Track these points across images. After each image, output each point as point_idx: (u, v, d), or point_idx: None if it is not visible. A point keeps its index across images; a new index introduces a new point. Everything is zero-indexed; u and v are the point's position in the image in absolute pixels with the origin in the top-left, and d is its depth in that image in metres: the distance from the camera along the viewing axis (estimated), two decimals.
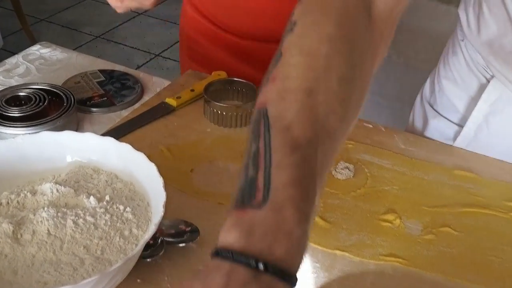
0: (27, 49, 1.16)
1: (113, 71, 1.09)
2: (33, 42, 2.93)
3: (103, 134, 0.86)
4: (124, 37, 3.10)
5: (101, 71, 1.07)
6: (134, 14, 3.22)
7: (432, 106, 0.96)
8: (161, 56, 2.94)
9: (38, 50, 1.15)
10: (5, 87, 1.00)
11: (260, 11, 1.13)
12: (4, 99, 0.92)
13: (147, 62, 2.92)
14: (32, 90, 0.94)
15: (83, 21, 3.24)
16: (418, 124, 0.99)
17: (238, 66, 1.19)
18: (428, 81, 1.00)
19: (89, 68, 1.09)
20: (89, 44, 3.05)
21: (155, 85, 1.06)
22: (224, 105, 0.94)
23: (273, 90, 0.51)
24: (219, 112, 0.93)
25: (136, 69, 2.79)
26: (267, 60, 1.18)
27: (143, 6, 0.97)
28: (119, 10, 0.96)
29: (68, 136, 0.74)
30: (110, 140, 0.74)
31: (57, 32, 3.16)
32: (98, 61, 1.14)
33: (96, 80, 1.04)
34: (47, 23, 3.23)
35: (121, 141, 0.76)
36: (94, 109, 0.98)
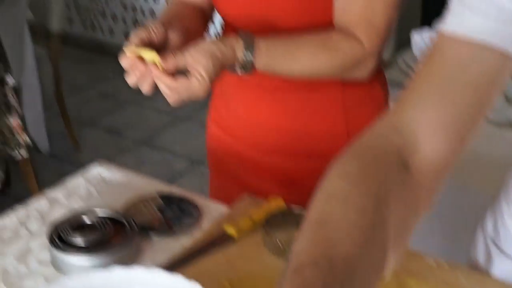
0: (87, 169, 1.20)
1: (171, 194, 1.11)
2: (76, 147, 3.04)
3: (166, 266, 0.88)
4: (165, 142, 3.18)
5: (160, 194, 1.10)
6: (176, 119, 3.32)
7: (495, 244, 0.96)
8: (203, 164, 3.00)
9: (97, 172, 1.19)
10: (68, 209, 1.04)
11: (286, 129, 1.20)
12: (69, 226, 0.94)
13: (189, 169, 2.98)
14: (96, 217, 0.97)
15: (126, 125, 3.35)
16: (481, 260, 0.99)
17: (266, 186, 1.23)
18: (489, 215, 1.00)
19: (147, 188, 1.12)
20: (131, 149, 3.13)
21: (213, 210, 1.08)
22: (284, 236, 0.95)
23: (300, 229, 0.57)
24: (280, 243, 0.94)
25: (178, 177, 2.84)
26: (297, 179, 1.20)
27: (197, 98, 1.01)
28: (173, 103, 1.01)
29: (138, 273, 0.76)
30: (179, 279, 0.75)
31: (100, 136, 3.26)
32: (155, 183, 1.18)
33: (155, 205, 1.07)
34: (90, 128, 3.34)
35: (182, 273, 0.78)
36: (154, 236, 1.00)
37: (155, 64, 0.96)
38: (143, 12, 4.01)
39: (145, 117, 3.37)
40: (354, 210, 0.55)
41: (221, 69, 0.99)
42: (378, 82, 1.22)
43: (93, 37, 4.29)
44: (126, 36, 4.13)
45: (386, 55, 2.42)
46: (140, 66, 0.97)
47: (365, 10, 1.06)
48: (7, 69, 1.77)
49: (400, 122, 0.65)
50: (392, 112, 0.68)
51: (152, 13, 3.96)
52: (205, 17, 1.24)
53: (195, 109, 3.36)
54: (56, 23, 2.72)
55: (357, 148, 0.64)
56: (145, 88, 0.99)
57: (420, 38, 1.88)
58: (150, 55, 0.96)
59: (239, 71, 1.03)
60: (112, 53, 4.21)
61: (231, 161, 1.29)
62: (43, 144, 2.81)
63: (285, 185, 1.23)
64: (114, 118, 3.43)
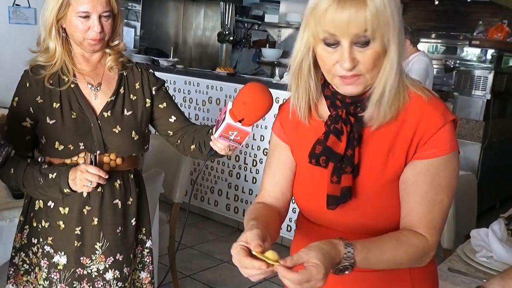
0: None
1: None
2: None
3: None
4: None
5: None
6: (262, 280, 3.31)
7: None
8: None
9: None
10: None
11: None
12: None
13: None
14: None
15: (220, 280, 3.37)
16: None
17: None
18: None
19: None
20: None
21: None
22: None
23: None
24: None
25: None
26: None
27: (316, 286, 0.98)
28: None
29: None
30: None
31: None
32: None
33: None
34: (191, 279, 3.38)
35: None
36: None
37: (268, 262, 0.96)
38: (243, 190, 4.19)
39: (237, 275, 3.39)
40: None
41: (331, 263, 1.00)
42: (433, 260, 1.25)
43: (200, 206, 4.48)
44: (227, 208, 4.29)
45: (448, 246, 2.40)
46: (262, 266, 0.97)
47: (427, 214, 1.14)
48: (149, 235, 1.87)
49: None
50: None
51: (250, 192, 4.13)
52: (281, 221, 1.29)
53: None
54: (178, 196, 2.89)
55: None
56: (256, 280, 1.00)
57: (477, 235, 1.88)
58: (272, 257, 0.97)
59: (342, 266, 1.03)
60: (214, 220, 4.36)
61: None
62: None
63: None
64: (212, 273, 3.47)
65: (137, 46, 5.73)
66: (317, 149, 1.21)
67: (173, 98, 1.89)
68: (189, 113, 4.44)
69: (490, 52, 4.83)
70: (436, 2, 6.19)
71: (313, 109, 1.23)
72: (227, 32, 6.81)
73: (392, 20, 1.07)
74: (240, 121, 1.35)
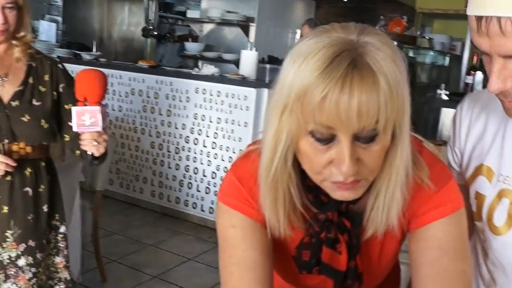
0: None
1: None
2: (104, 279, 2.99)
3: None
4: (176, 278, 3.14)
5: None
6: (185, 260, 3.31)
7: None
8: None
9: None
10: None
11: None
12: None
13: None
14: None
15: (145, 263, 3.32)
16: None
17: None
18: None
19: None
20: (148, 283, 3.08)
21: None
22: None
23: None
24: None
25: None
26: None
27: None
28: None
29: None
30: None
31: (123, 271, 3.22)
32: None
33: None
34: (117, 264, 3.31)
35: None
36: None
37: None
38: (167, 177, 4.15)
39: (160, 257, 3.36)
40: None
41: None
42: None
43: (126, 194, 4.38)
44: (153, 194, 4.23)
45: None
46: None
47: None
48: (62, 221, 1.81)
49: None
50: None
51: (174, 178, 4.09)
52: None
53: (202, 252, 3.36)
54: (100, 184, 2.82)
55: None
56: None
57: None
58: None
59: None
60: (140, 207, 4.29)
61: None
62: (77, 276, 2.77)
63: None
64: (137, 256, 3.41)
65: (59, 41, 5.48)
66: (305, 255, 0.87)
67: None
68: (112, 104, 4.32)
69: None
70: (345, 0, 6.41)
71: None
72: (151, 27, 6.67)
73: (406, 100, 0.74)
74: (86, 104, 1.45)
